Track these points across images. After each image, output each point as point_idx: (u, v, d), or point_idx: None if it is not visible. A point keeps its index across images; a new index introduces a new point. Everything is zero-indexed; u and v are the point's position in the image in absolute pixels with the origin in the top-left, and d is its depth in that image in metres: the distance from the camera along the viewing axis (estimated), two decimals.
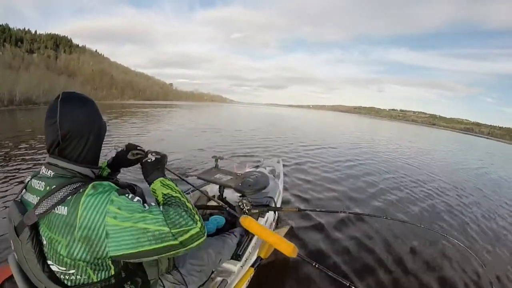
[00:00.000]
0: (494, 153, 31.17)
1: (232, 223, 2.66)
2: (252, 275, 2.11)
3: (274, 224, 3.29)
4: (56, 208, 1.03)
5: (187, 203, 1.14)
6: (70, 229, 1.00)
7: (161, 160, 1.44)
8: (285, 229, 2.53)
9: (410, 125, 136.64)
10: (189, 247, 1.07)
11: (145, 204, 1.07)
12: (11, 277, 1.32)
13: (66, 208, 1.02)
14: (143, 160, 1.42)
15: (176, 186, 1.26)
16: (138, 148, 1.61)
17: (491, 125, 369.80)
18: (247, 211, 2.49)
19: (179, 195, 1.18)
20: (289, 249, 1.81)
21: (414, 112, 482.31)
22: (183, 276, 1.55)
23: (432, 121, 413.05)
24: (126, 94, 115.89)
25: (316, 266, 1.80)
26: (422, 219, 5.51)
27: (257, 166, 4.67)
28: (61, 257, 1.03)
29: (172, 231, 1.02)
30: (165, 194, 1.20)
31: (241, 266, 2.17)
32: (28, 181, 1.21)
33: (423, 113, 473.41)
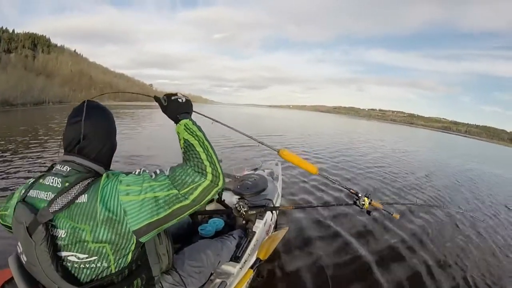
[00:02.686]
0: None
1: (231, 226, 2.67)
2: (251, 276, 2.13)
3: (273, 226, 3.31)
4: (78, 198, 1.08)
5: (202, 153, 1.13)
6: (93, 214, 1.06)
7: (190, 102, 1.40)
8: (283, 231, 2.55)
9: (386, 124, 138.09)
10: (203, 201, 1.11)
11: (154, 172, 1.14)
12: (11, 279, 1.34)
13: (86, 195, 1.09)
14: (172, 98, 1.36)
15: (200, 129, 1.24)
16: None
17: (468, 124, 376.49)
18: (244, 213, 2.50)
19: (196, 142, 1.17)
20: (314, 169, 2.19)
21: (393, 111, 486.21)
22: (182, 277, 1.58)
23: (411, 120, 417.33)
24: (105, 95, 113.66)
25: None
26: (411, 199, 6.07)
27: (256, 169, 4.64)
28: (85, 243, 1.07)
29: (181, 192, 1.07)
30: (185, 140, 1.19)
31: (240, 268, 2.17)
32: (34, 181, 1.24)
33: (402, 112, 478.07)
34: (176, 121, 1.29)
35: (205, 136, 1.21)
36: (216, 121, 2.07)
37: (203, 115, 1.74)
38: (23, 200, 1.18)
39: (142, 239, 1.13)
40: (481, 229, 5.19)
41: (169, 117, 1.34)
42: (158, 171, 1.14)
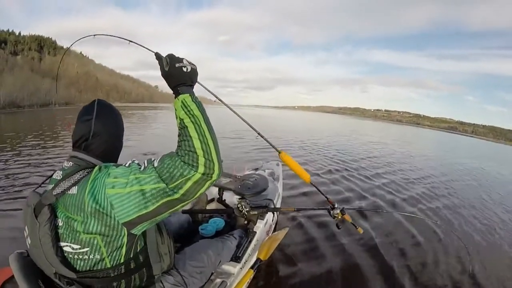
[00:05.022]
0: None
1: (231, 225, 2.67)
2: (251, 276, 2.12)
3: (273, 226, 3.29)
4: (70, 190, 1.12)
5: (195, 140, 1.01)
6: (81, 206, 1.07)
7: (196, 73, 1.20)
8: (284, 231, 2.55)
9: (392, 125, 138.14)
10: (196, 195, 1.03)
11: (144, 163, 1.07)
12: (12, 277, 1.35)
13: (76, 187, 1.11)
14: (176, 65, 1.13)
15: (199, 107, 1.08)
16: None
17: (474, 124, 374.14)
18: (246, 213, 2.49)
19: (191, 124, 1.03)
20: (307, 177, 2.29)
21: (398, 112, 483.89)
22: (183, 277, 1.57)
23: (417, 120, 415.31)
24: (111, 96, 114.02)
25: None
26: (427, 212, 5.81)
27: (257, 169, 4.62)
28: (77, 234, 1.08)
29: (169, 186, 0.99)
30: (181, 121, 1.06)
31: (241, 268, 2.16)
32: (50, 176, 1.29)
33: (408, 112, 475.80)
34: (175, 93, 1.13)
35: (204, 117, 1.07)
36: (219, 99, 2.08)
37: (205, 88, 1.71)
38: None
39: (134, 231, 1.12)
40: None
41: (168, 85, 1.17)
42: (146, 163, 1.07)
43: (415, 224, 4.78)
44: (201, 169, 0.99)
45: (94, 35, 2.05)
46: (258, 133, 2.41)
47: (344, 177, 7.86)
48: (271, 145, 2.37)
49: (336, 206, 2.36)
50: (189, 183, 0.99)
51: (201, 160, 0.99)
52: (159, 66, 1.17)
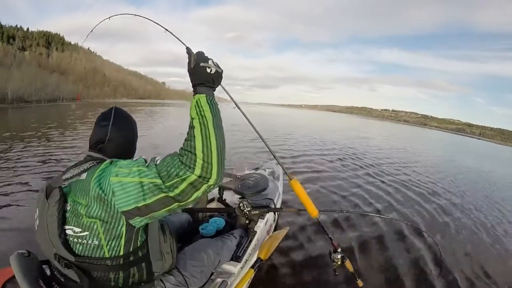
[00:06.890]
0: None
1: (232, 225, 2.66)
2: (252, 276, 2.12)
3: (273, 225, 3.29)
4: (80, 176, 1.21)
5: (197, 142, 1.01)
6: (87, 190, 1.13)
7: (220, 76, 1.19)
8: (284, 231, 2.54)
9: (398, 125, 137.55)
10: (192, 197, 1.04)
11: (151, 159, 1.12)
12: (12, 278, 1.36)
13: (86, 174, 1.20)
14: (201, 64, 1.13)
15: (212, 109, 1.08)
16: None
17: (482, 126, 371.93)
18: (247, 213, 2.49)
19: (198, 125, 1.03)
20: (314, 212, 2.22)
21: (406, 112, 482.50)
22: (184, 277, 1.58)
23: (424, 121, 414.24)
24: (118, 92, 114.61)
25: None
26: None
27: (257, 168, 4.63)
28: (80, 217, 1.14)
29: (165, 184, 1.01)
30: (191, 120, 1.06)
31: (241, 267, 2.17)
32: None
33: (415, 113, 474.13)
34: (194, 91, 1.13)
35: (214, 119, 1.06)
36: (239, 108, 2.09)
37: (228, 94, 1.73)
38: None
39: (133, 222, 1.16)
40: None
41: (190, 81, 1.16)
42: (149, 159, 1.12)
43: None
44: (197, 171, 0.99)
45: (134, 15, 2.04)
46: (274, 156, 2.40)
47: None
48: (283, 170, 2.37)
49: (339, 250, 2.18)
50: (184, 184, 1.01)
51: (199, 162, 1.00)
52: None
